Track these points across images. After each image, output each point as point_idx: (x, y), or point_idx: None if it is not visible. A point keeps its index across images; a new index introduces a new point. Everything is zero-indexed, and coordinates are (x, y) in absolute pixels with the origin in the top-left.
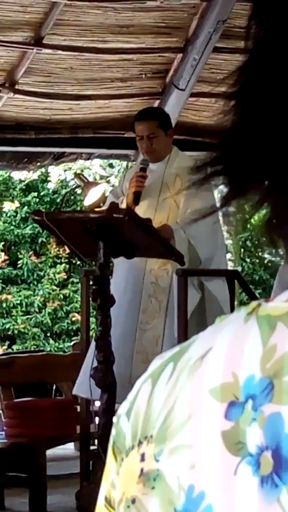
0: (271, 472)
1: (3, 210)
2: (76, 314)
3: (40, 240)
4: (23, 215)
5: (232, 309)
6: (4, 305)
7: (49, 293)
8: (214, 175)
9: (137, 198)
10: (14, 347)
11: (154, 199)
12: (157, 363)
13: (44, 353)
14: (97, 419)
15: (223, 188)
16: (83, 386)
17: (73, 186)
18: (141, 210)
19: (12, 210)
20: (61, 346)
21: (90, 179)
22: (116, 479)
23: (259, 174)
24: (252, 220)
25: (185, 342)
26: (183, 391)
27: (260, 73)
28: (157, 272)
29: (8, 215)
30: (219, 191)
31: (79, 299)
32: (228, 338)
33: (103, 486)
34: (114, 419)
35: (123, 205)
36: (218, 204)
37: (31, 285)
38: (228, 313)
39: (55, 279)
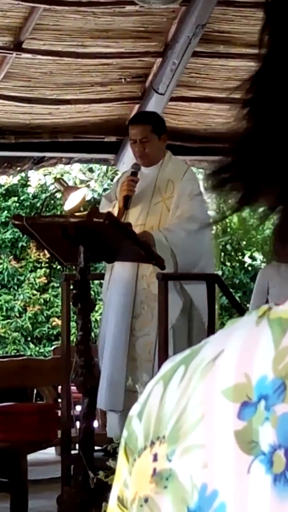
0: (284, 470)
1: None
2: (56, 319)
3: (20, 245)
4: (3, 220)
5: (212, 313)
6: None
7: (30, 298)
8: (228, 181)
9: (127, 202)
10: None
11: (146, 204)
12: (168, 366)
13: (24, 357)
14: (78, 424)
15: (211, 194)
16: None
17: (53, 191)
18: (134, 215)
19: None
20: (41, 350)
21: (70, 183)
22: (129, 479)
23: (272, 180)
24: (232, 224)
25: (196, 345)
26: (196, 392)
27: (274, 81)
28: (149, 279)
29: None
30: (210, 197)
31: (60, 303)
32: (240, 340)
33: (115, 486)
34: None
35: (115, 209)
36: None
37: (11, 289)
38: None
39: (36, 284)
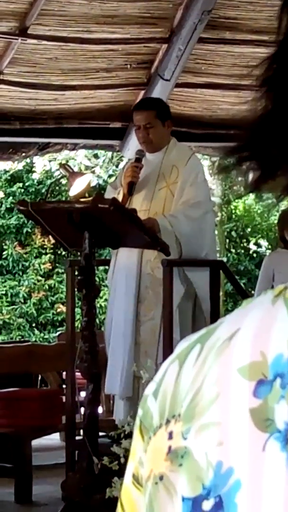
0: None
1: None
2: (61, 305)
3: (25, 231)
4: (8, 206)
5: (216, 299)
6: None
7: (34, 284)
8: (245, 160)
9: (131, 188)
10: None
11: (150, 190)
12: (183, 345)
13: (29, 343)
14: (82, 409)
15: (217, 180)
16: (110, 383)
17: (58, 177)
18: (138, 200)
19: None
20: (46, 336)
21: (75, 169)
22: (144, 457)
23: None
24: (237, 211)
25: (212, 325)
26: (211, 370)
27: None
28: (153, 264)
29: None
30: (215, 183)
31: (64, 289)
32: (256, 319)
33: (130, 465)
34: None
35: (120, 196)
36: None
37: (16, 275)
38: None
39: (40, 270)
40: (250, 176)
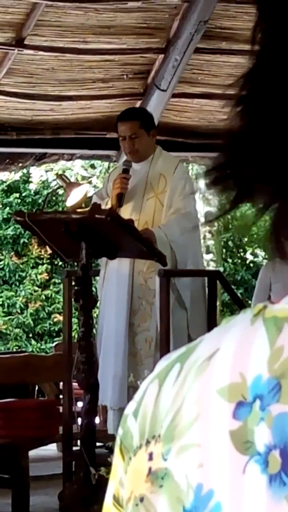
0: (280, 470)
1: None
2: (58, 315)
3: (22, 241)
4: (5, 216)
5: (213, 309)
6: None
7: (31, 294)
8: (222, 179)
9: (120, 200)
10: None
11: (138, 200)
12: (163, 364)
13: (26, 354)
14: (79, 420)
15: (205, 192)
16: (102, 393)
17: (55, 187)
18: (126, 211)
19: None
20: (43, 347)
21: (72, 179)
22: (124, 478)
23: (266, 178)
24: (234, 221)
25: (191, 343)
26: (191, 391)
27: (267, 78)
28: (145, 274)
29: None
30: (201, 193)
31: (61, 299)
32: (235, 339)
33: (110, 485)
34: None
35: (108, 207)
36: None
37: (13, 286)
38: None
39: (37, 280)
40: (228, 195)
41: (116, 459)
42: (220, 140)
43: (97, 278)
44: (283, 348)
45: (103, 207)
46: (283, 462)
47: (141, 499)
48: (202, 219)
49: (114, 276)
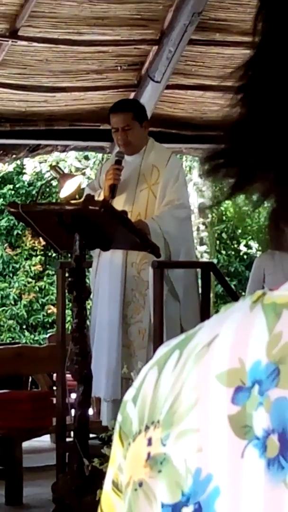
0: (278, 454)
1: None
2: (51, 306)
3: (15, 233)
4: None
5: (207, 301)
6: None
7: (25, 285)
8: (222, 167)
9: (113, 191)
10: None
11: (131, 191)
12: (163, 351)
13: (19, 345)
14: (73, 411)
15: (199, 180)
16: (95, 385)
17: (49, 178)
18: (119, 203)
19: None
20: (36, 338)
21: (66, 171)
22: (123, 463)
23: (266, 165)
24: (227, 213)
25: (191, 330)
26: (190, 376)
27: (268, 67)
28: (138, 266)
29: None
30: (195, 184)
31: (55, 291)
32: (234, 325)
33: (109, 471)
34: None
35: (100, 198)
36: (195, 195)
37: (7, 277)
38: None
39: (31, 272)
40: (227, 182)
41: (115, 445)
42: (217, 129)
43: (91, 269)
44: (281, 334)
45: (96, 198)
46: (281, 447)
47: (140, 484)
48: (196, 211)
49: (107, 268)
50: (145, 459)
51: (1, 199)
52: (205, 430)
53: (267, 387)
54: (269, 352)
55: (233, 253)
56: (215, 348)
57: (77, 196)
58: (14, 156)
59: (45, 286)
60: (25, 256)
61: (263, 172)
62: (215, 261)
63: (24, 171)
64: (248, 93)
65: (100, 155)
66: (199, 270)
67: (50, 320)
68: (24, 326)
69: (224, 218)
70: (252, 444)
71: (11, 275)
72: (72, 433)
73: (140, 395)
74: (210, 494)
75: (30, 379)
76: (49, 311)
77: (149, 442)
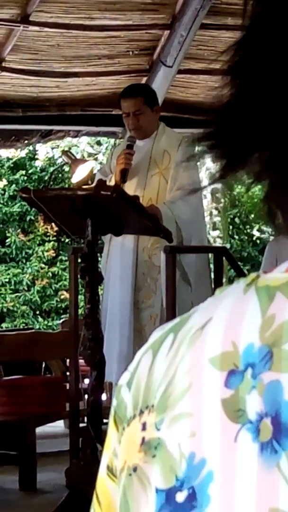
0: (271, 438)
1: None
2: (64, 292)
3: (28, 218)
4: (11, 193)
5: (219, 286)
6: None
7: (38, 271)
8: (212, 148)
9: (124, 175)
10: (3, 325)
11: (142, 176)
12: (157, 334)
13: (33, 331)
14: (86, 397)
15: (211, 165)
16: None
17: (61, 164)
18: (130, 188)
19: (0, 188)
20: (50, 324)
21: (78, 156)
22: (118, 448)
23: (258, 146)
24: (241, 197)
25: (185, 314)
26: (184, 360)
27: (258, 47)
28: (150, 251)
29: None
30: (206, 168)
31: (68, 276)
32: (227, 308)
33: (104, 456)
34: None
35: (112, 183)
36: (206, 180)
37: (20, 263)
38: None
39: (44, 257)
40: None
41: (110, 430)
42: (210, 111)
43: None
44: (274, 317)
45: (107, 183)
46: (274, 430)
47: (134, 469)
48: (208, 196)
49: (118, 253)
50: (139, 444)
51: (14, 185)
52: (199, 414)
53: (260, 371)
54: (262, 335)
55: (246, 238)
56: (208, 331)
57: (89, 182)
58: (26, 141)
59: (58, 272)
60: (38, 242)
61: (255, 153)
62: (228, 246)
63: (36, 156)
64: (238, 74)
65: (112, 141)
66: (211, 255)
67: (63, 306)
68: (38, 312)
69: (237, 203)
70: (246, 428)
71: (24, 261)
72: (85, 418)
73: (134, 379)
74: (204, 478)
75: (43, 365)
76: (62, 297)
77: (144, 427)
